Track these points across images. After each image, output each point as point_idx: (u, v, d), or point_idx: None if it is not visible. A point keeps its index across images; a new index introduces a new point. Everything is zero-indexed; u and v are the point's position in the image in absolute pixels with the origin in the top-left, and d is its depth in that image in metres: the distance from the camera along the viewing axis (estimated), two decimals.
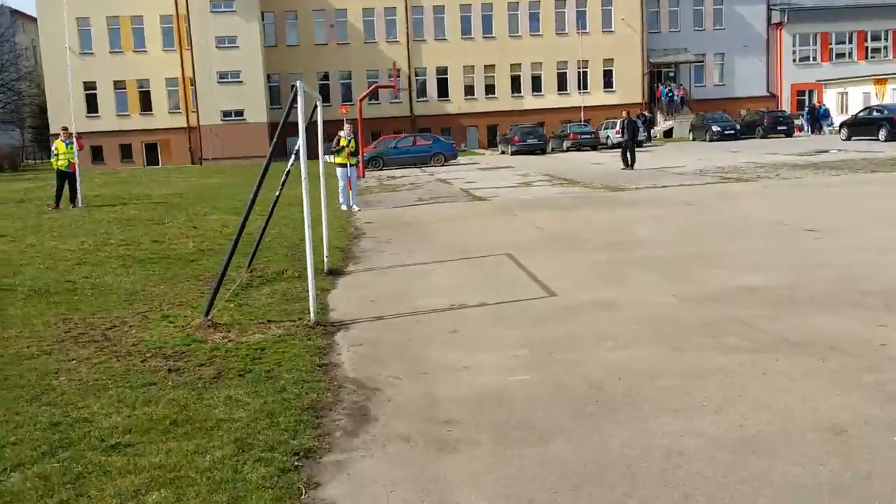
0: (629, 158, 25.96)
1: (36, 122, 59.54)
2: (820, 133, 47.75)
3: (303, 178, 7.42)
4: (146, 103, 49.59)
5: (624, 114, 28.70)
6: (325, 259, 10.17)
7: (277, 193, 9.60)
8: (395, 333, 6.97)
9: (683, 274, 8.80)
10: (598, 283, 8.59)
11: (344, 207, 17.43)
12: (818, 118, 48.85)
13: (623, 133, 27.30)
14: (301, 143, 7.34)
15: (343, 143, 17.51)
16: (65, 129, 20.01)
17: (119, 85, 49.15)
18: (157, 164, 49.10)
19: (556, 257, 10.33)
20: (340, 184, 17.86)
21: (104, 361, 6.29)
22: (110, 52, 48.70)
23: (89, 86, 48.56)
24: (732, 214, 13.56)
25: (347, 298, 8.57)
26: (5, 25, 57.29)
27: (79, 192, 19.28)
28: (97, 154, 48.72)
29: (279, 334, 6.93)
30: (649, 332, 6.49)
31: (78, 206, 19.00)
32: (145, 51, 49.04)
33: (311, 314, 7.33)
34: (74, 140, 19.36)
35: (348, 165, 17.60)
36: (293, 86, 7.52)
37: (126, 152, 49.44)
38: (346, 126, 17.98)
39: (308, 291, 7.46)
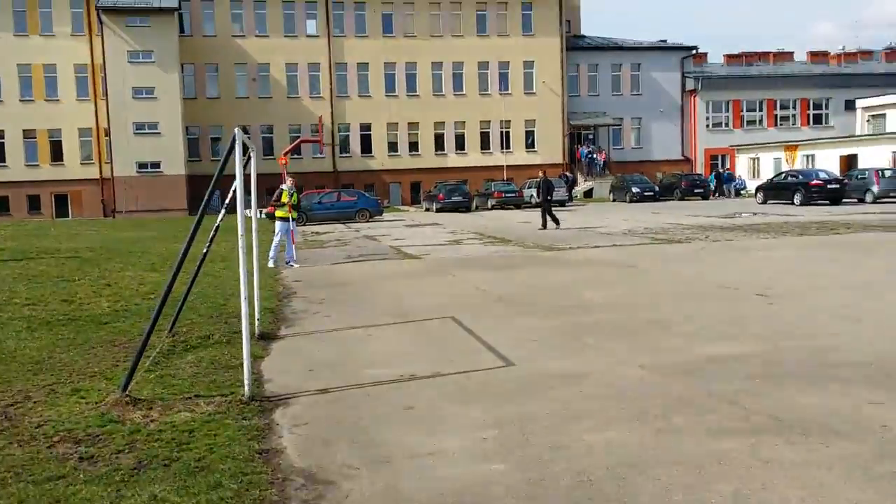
0: (547, 218, 25.37)
1: None
2: (727, 196, 49.25)
3: (239, 232, 6.67)
4: (57, 153, 47.61)
5: (540, 174, 28.48)
6: (257, 322, 9.32)
7: (205, 249, 8.81)
8: (343, 410, 6.21)
9: (645, 341, 8.30)
10: (556, 351, 7.99)
11: (271, 265, 16.56)
12: (723, 182, 50.56)
13: (538, 193, 27.11)
14: (239, 192, 6.61)
15: (285, 196, 16.79)
16: None
17: (29, 134, 47.11)
18: (68, 217, 46.98)
19: (505, 321, 9.73)
20: (276, 239, 17.03)
21: (3, 448, 5.33)
22: (20, 101, 46.73)
23: None
24: (677, 277, 13.26)
25: (283, 367, 7.75)
26: None
27: None
28: (3, 205, 46.40)
29: (209, 412, 6.08)
30: (626, 410, 5.90)
31: None
32: (58, 100, 47.25)
33: (245, 387, 6.51)
34: None
35: (290, 220, 16.86)
36: (233, 137, 6.80)
37: (34, 203, 47.20)
38: (289, 179, 17.33)
39: (239, 359, 6.67)
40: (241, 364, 6.68)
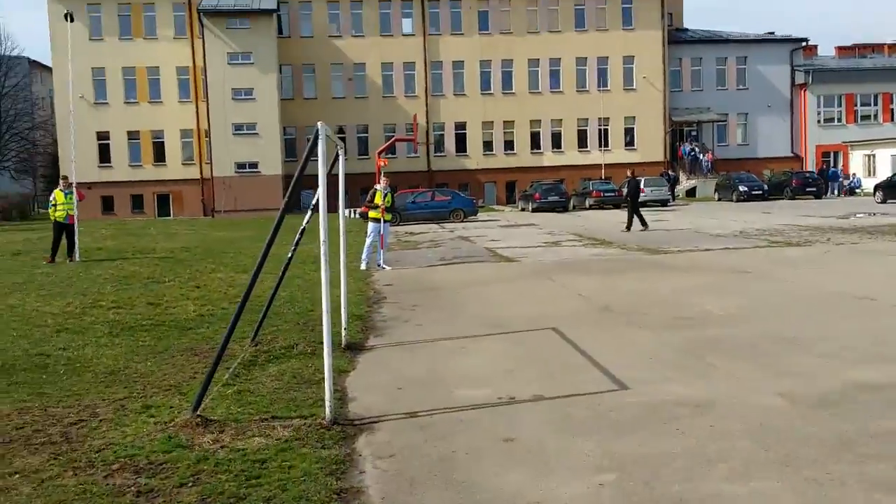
0: (630, 220, 24.37)
1: (48, 172, 58.89)
2: (833, 195, 46.53)
3: (321, 238, 6.01)
4: (159, 154, 48.78)
5: (628, 173, 27.28)
6: (343, 331, 8.69)
7: (291, 253, 8.22)
8: (434, 440, 5.45)
9: (777, 363, 7.26)
10: (675, 373, 7.04)
11: (363, 267, 16.02)
12: (827, 180, 47.64)
13: (626, 193, 26.15)
14: (321, 191, 5.94)
15: (378, 198, 16.27)
16: (64, 178, 18.81)
17: (133, 135, 48.39)
18: (169, 216, 48.06)
19: (613, 335, 8.81)
20: (368, 240, 16.51)
21: (56, 476, 4.79)
22: (125, 103, 48.04)
23: (102, 136, 47.86)
24: (800, 285, 12.02)
25: (370, 384, 7.06)
26: (22, 75, 57.01)
27: (76, 245, 17.93)
28: (108, 204, 47.79)
29: (285, 437, 5.43)
30: (769, 453, 4.94)
31: (75, 259, 17.63)
32: (161, 101, 48.38)
33: (327, 409, 5.82)
34: (74, 190, 18.09)
35: (382, 221, 16.32)
36: (316, 132, 6.13)
37: (137, 203, 48.48)
38: (383, 179, 16.81)
39: (323, 372, 6.02)
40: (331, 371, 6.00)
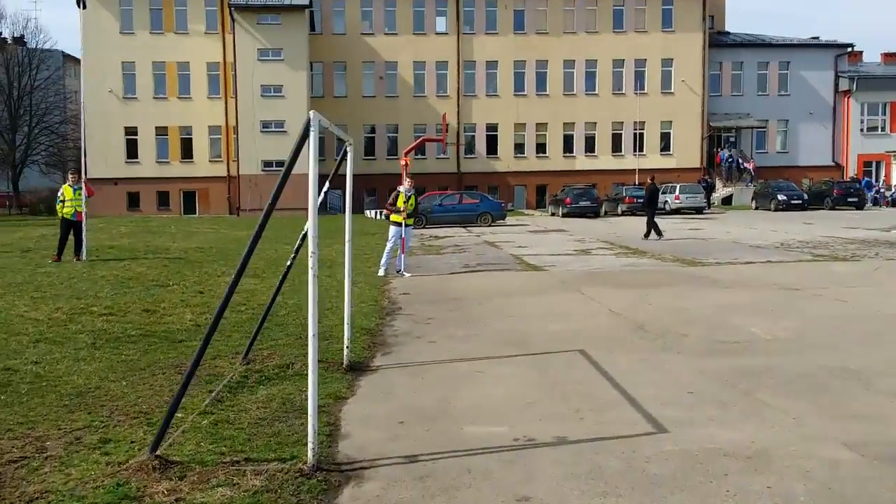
0: (648, 227, 23.76)
1: (77, 166, 58.85)
2: (878, 206, 45.09)
3: (310, 249, 5.15)
4: (187, 151, 48.41)
5: (648, 179, 26.29)
6: (346, 349, 7.80)
7: (290, 261, 7.42)
8: (433, 497, 4.53)
9: (840, 402, 6.25)
10: (720, 412, 6.06)
11: (381, 273, 15.15)
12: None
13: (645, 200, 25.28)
14: (311, 190, 5.08)
15: (401, 201, 15.41)
16: (75, 172, 18.06)
17: (161, 131, 48.04)
18: (195, 213, 47.64)
19: (648, 361, 7.84)
20: (388, 245, 15.65)
21: None
22: (154, 98, 47.71)
23: (130, 131, 47.56)
24: (855, 305, 10.93)
25: (368, 415, 6.16)
26: (54, 68, 57.01)
27: (83, 243, 17.22)
28: (134, 200, 47.53)
29: (255, 488, 4.54)
30: None
31: (81, 259, 16.94)
32: (190, 97, 47.98)
33: (309, 452, 4.93)
34: (83, 186, 17.40)
35: (404, 225, 15.46)
36: (306, 122, 5.26)
37: (163, 200, 48.14)
38: (407, 181, 15.95)
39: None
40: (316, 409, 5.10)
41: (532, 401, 6.51)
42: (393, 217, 15.71)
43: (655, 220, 23.94)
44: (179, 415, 5.74)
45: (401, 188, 15.83)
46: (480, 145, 50.46)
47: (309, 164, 5.25)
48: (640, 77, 50.47)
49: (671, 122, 50.62)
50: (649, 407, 6.18)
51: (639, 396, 6.49)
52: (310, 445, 4.92)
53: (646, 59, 50.25)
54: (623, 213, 40.97)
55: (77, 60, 60.99)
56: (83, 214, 17.29)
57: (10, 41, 58.25)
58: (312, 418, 4.94)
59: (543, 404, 6.40)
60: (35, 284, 13.08)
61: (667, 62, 50.36)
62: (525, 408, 6.31)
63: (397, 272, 15.34)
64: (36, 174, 56.97)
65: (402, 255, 15.68)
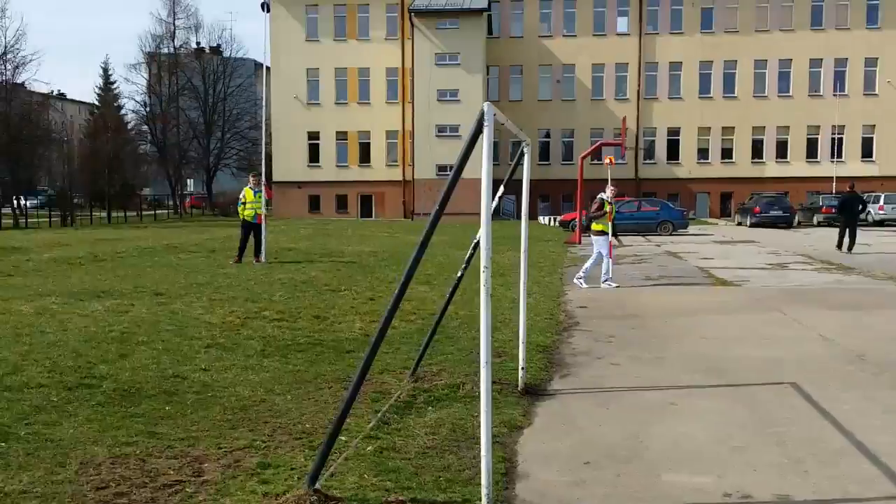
0: (841, 238, 21.88)
1: (260, 170, 61.78)
2: None
3: (482, 264, 4.48)
4: (365, 155, 49.50)
5: (847, 187, 23.80)
6: (521, 370, 7.09)
7: (460, 272, 6.83)
8: None
9: None
10: None
11: (584, 285, 14.31)
12: None
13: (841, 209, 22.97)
14: (485, 193, 4.42)
15: (607, 207, 14.61)
16: (256, 175, 18.42)
17: (341, 136, 49.38)
18: (371, 217, 48.62)
19: (877, 399, 6.63)
20: (603, 254, 14.68)
21: None
22: (336, 103, 49.11)
23: (313, 136, 49.19)
24: None
25: (547, 452, 5.42)
26: (246, 76, 60.11)
27: (263, 245, 17.51)
28: (315, 203, 49.10)
29: None
30: None
31: (261, 261, 17.22)
32: (369, 103, 49.04)
33: (484, 499, 4.24)
34: (263, 189, 17.70)
35: (605, 233, 14.64)
36: (480, 114, 4.62)
37: (342, 203, 49.46)
38: (610, 187, 15.16)
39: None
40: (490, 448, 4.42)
41: (740, 445, 5.54)
42: (596, 225, 14.81)
43: (846, 231, 21.72)
44: (343, 438, 5.23)
45: (603, 194, 14.96)
46: (661, 150, 48.52)
47: (482, 159, 4.56)
48: (839, 77, 46.84)
49: (874, 125, 46.64)
50: (889, 459, 5.08)
51: (872, 445, 5.39)
52: (483, 491, 4.24)
53: (847, 59, 46.56)
54: (819, 224, 37.96)
55: (267, 68, 64.08)
56: (263, 217, 17.58)
57: (207, 50, 61.94)
58: (486, 457, 4.26)
59: (755, 450, 5.42)
60: (214, 286, 13.27)
61: (870, 61, 46.42)
62: (733, 453, 5.35)
63: (603, 283, 14.44)
64: (227, 177, 60.30)
65: (609, 261, 14.73)
